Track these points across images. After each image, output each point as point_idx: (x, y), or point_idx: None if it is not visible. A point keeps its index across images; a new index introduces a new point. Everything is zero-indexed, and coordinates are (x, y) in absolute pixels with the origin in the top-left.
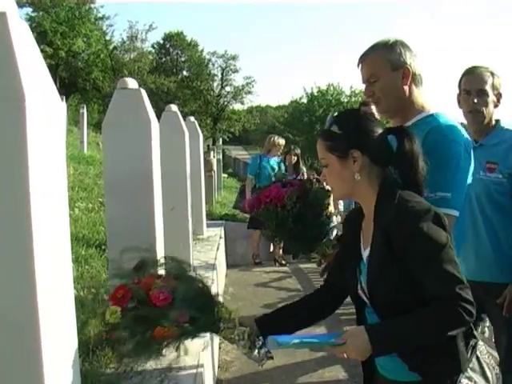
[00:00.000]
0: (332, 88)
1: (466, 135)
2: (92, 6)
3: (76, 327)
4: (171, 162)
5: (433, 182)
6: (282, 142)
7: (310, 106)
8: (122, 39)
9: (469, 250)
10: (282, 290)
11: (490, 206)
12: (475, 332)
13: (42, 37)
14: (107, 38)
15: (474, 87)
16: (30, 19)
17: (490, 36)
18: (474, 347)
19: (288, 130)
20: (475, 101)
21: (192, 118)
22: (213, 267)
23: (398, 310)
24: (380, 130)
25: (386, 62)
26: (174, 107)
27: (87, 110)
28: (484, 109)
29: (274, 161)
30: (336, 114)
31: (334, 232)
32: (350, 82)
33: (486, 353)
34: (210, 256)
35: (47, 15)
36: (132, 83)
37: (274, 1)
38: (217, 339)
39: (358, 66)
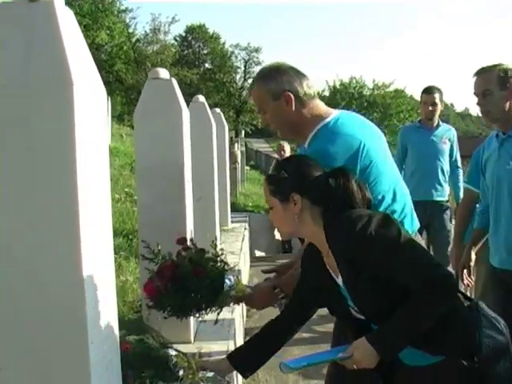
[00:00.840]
0: (354, 81)
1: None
2: None
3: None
4: (199, 153)
5: None
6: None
7: (332, 99)
8: (145, 31)
9: (500, 239)
10: None
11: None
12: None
13: None
14: (130, 30)
15: (478, 90)
16: None
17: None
18: (477, 307)
19: None
20: (481, 103)
21: (218, 110)
22: (238, 258)
23: (392, 313)
24: (318, 173)
25: (266, 95)
26: (201, 98)
27: (111, 102)
28: (492, 108)
29: None
30: (279, 160)
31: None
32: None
33: (487, 309)
34: (235, 247)
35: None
36: (164, 73)
37: None
38: (242, 330)
39: (249, 99)
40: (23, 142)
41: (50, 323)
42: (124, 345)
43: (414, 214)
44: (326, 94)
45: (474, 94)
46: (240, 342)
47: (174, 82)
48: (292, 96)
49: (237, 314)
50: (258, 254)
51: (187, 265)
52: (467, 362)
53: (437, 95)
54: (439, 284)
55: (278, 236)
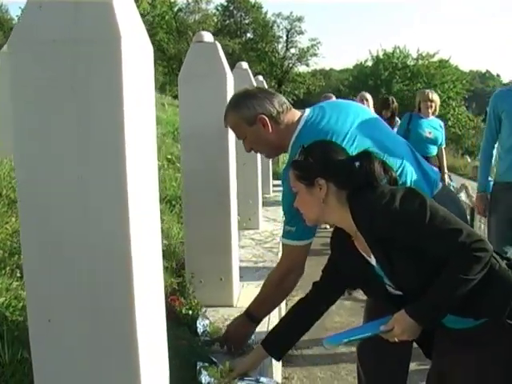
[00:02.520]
0: (398, 51)
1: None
2: None
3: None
4: None
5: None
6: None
7: (375, 69)
8: (187, 1)
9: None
10: None
11: None
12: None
13: None
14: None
15: None
16: None
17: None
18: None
19: (353, 93)
20: None
21: (261, 77)
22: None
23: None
24: (343, 158)
25: (241, 122)
26: (244, 64)
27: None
28: None
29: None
30: (305, 145)
31: None
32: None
33: None
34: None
35: None
36: (208, 37)
37: None
38: None
39: (226, 126)
40: (72, 96)
41: (96, 273)
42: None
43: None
44: (369, 64)
45: None
46: (279, 307)
47: (218, 45)
48: (266, 118)
49: None
50: None
51: None
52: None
53: None
54: (472, 249)
55: None
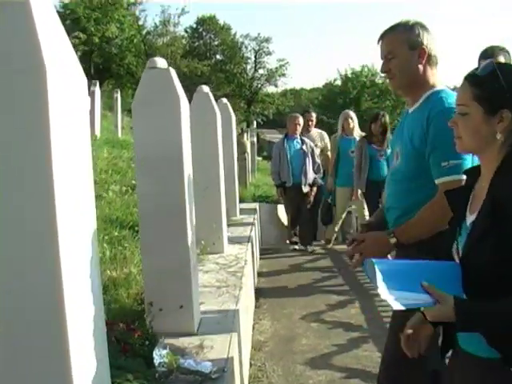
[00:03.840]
0: (366, 69)
1: None
2: None
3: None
4: (203, 143)
5: (443, 152)
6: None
7: (344, 88)
8: (155, 24)
9: None
10: (316, 270)
11: None
12: None
13: (75, 23)
14: (140, 22)
15: None
16: (64, 6)
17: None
18: None
19: (322, 112)
20: None
21: (224, 100)
22: (245, 248)
23: (487, 276)
24: None
25: (404, 41)
26: (205, 88)
27: (121, 95)
28: None
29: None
30: (495, 63)
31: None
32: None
33: None
34: (243, 237)
35: (80, 2)
36: (161, 63)
37: None
38: (249, 321)
39: (378, 42)
40: None
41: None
42: None
43: None
44: (338, 83)
45: None
46: (244, 332)
47: (172, 71)
48: (427, 52)
49: (241, 306)
50: (267, 244)
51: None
52: None
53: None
54: None
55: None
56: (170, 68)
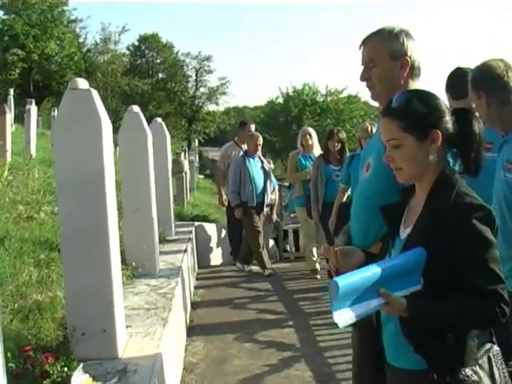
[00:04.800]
0: (307, 88)
1: None
2: (65, 8)
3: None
4: (133, 164)
5: None
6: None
7: (285, 106)
8: (96, 41)
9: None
10: (251, 290)
11: (508, 211)
12: (494, 337)
13: (13, 40)
14: (80, 40)
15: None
16: (2, 22)
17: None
18: (489, 349)
19: (264, 130)
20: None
21: (159, 119)
22: (178, 269)
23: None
24: (447, 109)
25: (386, 50)
26: (135, 108)
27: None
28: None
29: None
30: (406, 92)
31: None
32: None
33: (500, 359)
34: (177, 257)
35: (19, 18)
36: (83, 84)
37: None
38: (182, 343)
39: (360, 48)
40: None
41: None
42: None
43: None
44: (280, 101)
45: None
46: (174, 354)
47: (94, 92)
48: (409, 63)
49: (170, 328)
50: (205, 263)
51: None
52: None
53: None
54: (500, 307)
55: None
56: (92, 89)
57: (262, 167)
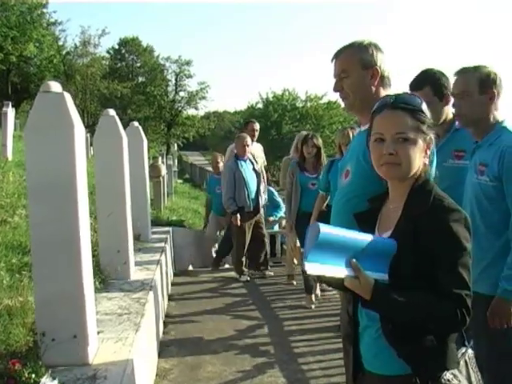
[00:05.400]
0: (287, 93)
1: None
2: (44, 10)
3: None
4: (108, 168)
5: None
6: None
7: (265, 111)
8: (75, 44)
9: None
10: (227, 295)
11: (479, 213)
12: (466, 341)
13: None
14: (60, 43)
15: (457, 90)
16: None
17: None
18: (465, 353)
19: None
20: (457, 104)
21: (136, 123)
22: (153, 274)
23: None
24: None
25: (357, 61)
26: (111, 112)
27: None
28: (468, 111)
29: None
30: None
31: None
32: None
33: (475, 362)
34: (152, 262)
35: None
36: (55, 87)
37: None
38: (155, 348)
39: (332, 60)
40: None
41: None
42: None
43: None
44: (260, 106)
45: (452, 94)
46: (147, 360)
47: (67, 95)
48: (379, 73)
49: (142, 333)
50: (181, 268)
51: None
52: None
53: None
54: (461, 312)
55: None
56: (65, 92)
57: (254, 169)
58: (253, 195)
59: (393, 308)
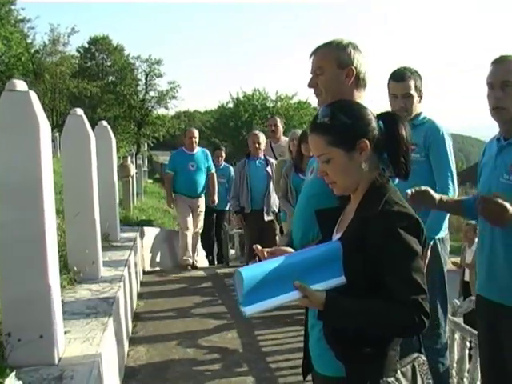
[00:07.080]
0: (258, 93)
1: None
2: (12, 7)
3: None
4: (75, 167)
5: None
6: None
7: (236, 111)
8: (44, 42)
9: (482, 263)
10: (196, 295)
11: None
12: (422, 348)
13: None
14: (28, 40)
15: (495, 80)
16: None
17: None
18: (416, 358)
19: (214, 135)
20: (497, 96)
21: (104, 123)
22: (122, 273)
23: (347, 291)
24: (372, 117)
25: (334, 59)
26: (79, 111)
27: None
28: (509, 104)
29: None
30: (330, 105)
31: None
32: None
33: (426, 369)
34: (121, 262)
35: None
36: (21, 85)
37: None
38: (124, 349)
39: (310, 57)
40: None
41: None
42: None
43: None
44: (231, 106)
45: (489, 84)
46: (114, 360)
47: (32, 94)
48: (355, 73)
49: (109, 333)
50: (151, 268)
51: None
52: None
53: (411, 82)
54: (418, 317)
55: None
56: (31, 91)
57: (266, 170)
58: (256, 197)
59: (348, 317)
